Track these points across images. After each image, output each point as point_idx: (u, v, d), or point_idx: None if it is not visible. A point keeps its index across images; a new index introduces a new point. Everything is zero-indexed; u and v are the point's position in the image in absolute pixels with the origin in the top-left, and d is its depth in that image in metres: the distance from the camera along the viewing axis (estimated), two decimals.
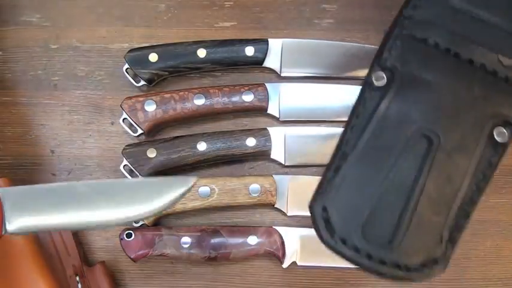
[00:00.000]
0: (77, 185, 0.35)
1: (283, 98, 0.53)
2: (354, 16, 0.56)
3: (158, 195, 0.34)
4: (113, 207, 0.34)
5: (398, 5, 0.57)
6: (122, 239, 0.49)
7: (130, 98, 0.52)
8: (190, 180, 0.35)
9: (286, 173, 0.52)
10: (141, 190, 0.35)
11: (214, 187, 0.50)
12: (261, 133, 0.52)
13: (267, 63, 0.54)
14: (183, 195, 0.35)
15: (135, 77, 0.53)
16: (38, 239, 0.47)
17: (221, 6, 0.57)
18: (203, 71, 0.55)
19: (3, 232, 0.32)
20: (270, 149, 0.52)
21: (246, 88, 0.52)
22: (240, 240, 0.49)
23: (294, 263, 0.50)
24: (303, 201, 0.51)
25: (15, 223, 0.32)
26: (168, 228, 0.50)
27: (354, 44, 0.55)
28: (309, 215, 0.51)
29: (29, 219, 0.32)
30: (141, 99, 0.51)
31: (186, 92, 0.52)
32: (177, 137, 0.52)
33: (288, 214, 0.51)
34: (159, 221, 0.52)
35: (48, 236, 0.48)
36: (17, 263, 0.45)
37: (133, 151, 0.50)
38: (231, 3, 0.57)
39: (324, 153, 0.52)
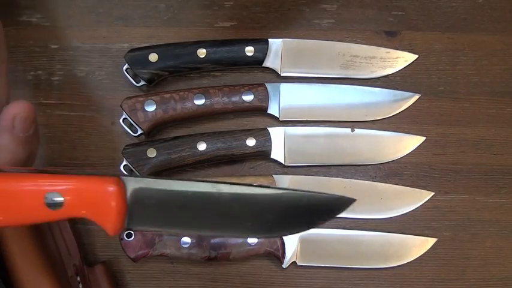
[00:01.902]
0: (220, 194, 0.29)
1: (283, 98, 0.53)
2: (354, 16, 0.56)
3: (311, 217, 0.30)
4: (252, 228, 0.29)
5: (399, 5, 0.57)
6: (122, 239, 0.49)
7: (130, 98, 0.52)
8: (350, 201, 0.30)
9: (286, 173, 0.52)
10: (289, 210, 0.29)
11: None
12: (261, 133, 0.52)
13: (267, 63, 0.54)
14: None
15: (135, 77, 0.53)
16: (40, 239, 0.47)
17: (221, 6, 0.56)
18: (203, 71, 0.55)
19: (124, 226, 0.29)
20: (270, 149, 0.52)
21: (246, 88, 0.52)
22: (240, 240, 0.49)
23: (293, 263, 0.50)
24: None
25: (136, 225, 0.29)
26: None
27: (354, 44, 0.55)
28: None
29: (152, 224, 0.29)
30: (141, 99, 0.51)
31: (186, 92, 0.52)
32: (177, 137, 0.52)
33: None
34: None
35: (50, 236, 0.48)
36: (18, 264, 0.45)
37: (133, 151, 0.50)
38: (231, 3, 0.57)
39: (324, 153, 0.53)
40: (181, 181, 0.29)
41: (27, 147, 0.30)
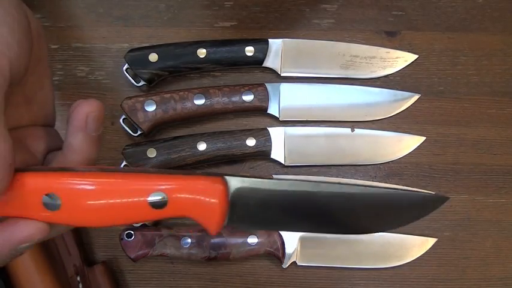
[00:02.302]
0: (321, 193, 0.29)
1: (283, 98, 0.53)
2: (354, 16, 0.56)
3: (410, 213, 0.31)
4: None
5: (399, 5, 0.57)
6: (122, 239, 0.49)
7: (130, 98, 0.52)
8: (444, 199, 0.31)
9: (286, 173, 0.52)
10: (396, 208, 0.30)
11: None
12: (261, 133, 0.52)
13: (267, 63, 0.54)
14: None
15: (135, 77, 0.53)
16: None
17: (221, 6, 0.56)
18: (203, 71, 0.55)
19: (224, 224, 0.29)
20: (270, 149, 0.52)
21: (246, 88, 0.52)
22: (240, 240, 0.49)
23: (294, 263, 0.50)
24: None
25: (234, 223, 0.29)
26: (168, 228, 0.50)
27: (354, 44, 0.55)
28: None
29: (251, 223, 0.30)
30: (141, 99, 0.51)
31: (186, 92, 0.52)
32: (177, 137, 0.52)
33: None
34: (159, 221, 0.52)
35: None
36: (18, 263, 0.45)
37: (134, 151, 0.50)
38: (231, 3, 0.57)
39: (324, 153, 0.53)
40: (282, 181, 0.29)
41: (98, 147, 0.30)
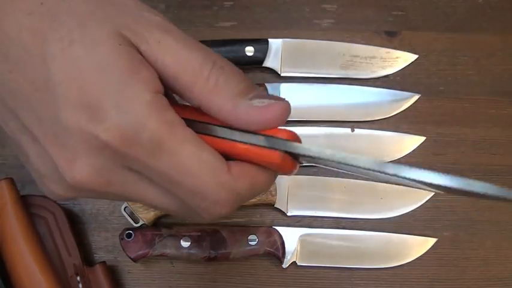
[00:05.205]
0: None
1: (283, 98, 0.53)
2: (354, 16, 0.56)
3: None
4: None
5: (398, 5, 0.57)
6: (122, 239, 0.49)
7: None
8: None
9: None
10: None
11: None
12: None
13: (267, 63, 0.54)
14: None
15: None
16: (40, 239, 0.47)
17: (221, 6, 0.57)
18: None
19: None
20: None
21: None
22: (240, 240, 0.49)
23: (293, 263, 0.50)
24: (303, 201, 0.52)
25: None
26: (168, 228, 0.50)
27: (354, 44, 0.55)
28: (309, 215, 0.52)
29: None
30: None
31: None
32: None
33: (288, 214, 0.51)
34: (159, 221, 0.52)
35: (49, 236, 0.49)
36: (18, 263, 0.45)
37: None
38: (231, 3, 0.57)
39: None
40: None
41: None
